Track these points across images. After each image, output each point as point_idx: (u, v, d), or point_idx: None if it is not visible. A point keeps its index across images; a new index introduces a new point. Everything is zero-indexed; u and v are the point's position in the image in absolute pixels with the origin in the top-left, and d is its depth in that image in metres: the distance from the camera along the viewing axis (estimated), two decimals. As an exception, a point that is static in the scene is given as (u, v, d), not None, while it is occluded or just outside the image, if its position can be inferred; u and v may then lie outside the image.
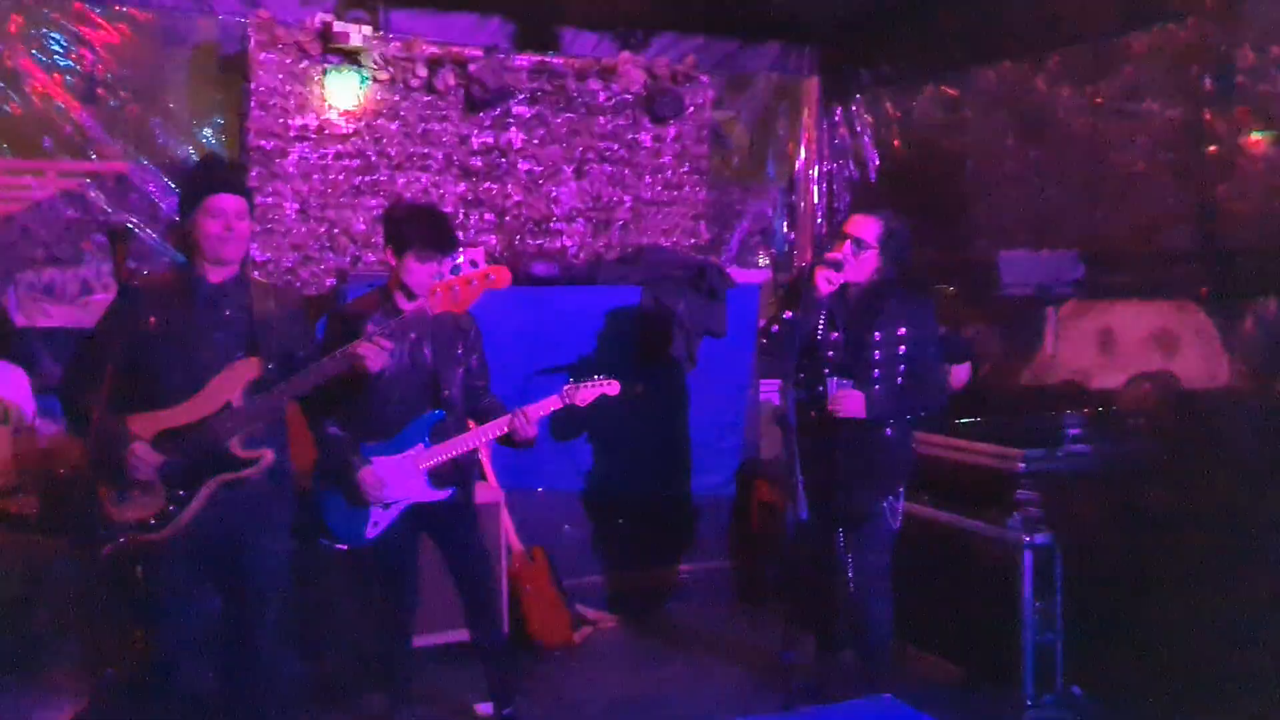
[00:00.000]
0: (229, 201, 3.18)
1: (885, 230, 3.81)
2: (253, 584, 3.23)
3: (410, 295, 3.68)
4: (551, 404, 3.78)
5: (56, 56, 4.97)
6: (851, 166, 6.64)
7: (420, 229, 3.69)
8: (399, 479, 3.62)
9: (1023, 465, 4.13)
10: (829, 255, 3.82)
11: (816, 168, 6.85)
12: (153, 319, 3.15)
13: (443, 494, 3.71)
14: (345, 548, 3.71)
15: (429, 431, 3.67)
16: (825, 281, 3.71)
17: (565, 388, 3.82)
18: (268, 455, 3.12)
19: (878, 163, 6.46)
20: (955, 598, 4.29)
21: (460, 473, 3.77)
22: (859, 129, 6.56)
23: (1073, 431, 4.30)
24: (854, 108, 6.59)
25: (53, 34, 4.95)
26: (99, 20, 5.02)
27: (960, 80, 5.87)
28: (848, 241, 3.81)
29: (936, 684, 4.31)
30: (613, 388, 3.87)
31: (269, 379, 3.16)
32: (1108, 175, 5.05)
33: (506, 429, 3.68)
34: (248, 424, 3.11)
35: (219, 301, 3.21)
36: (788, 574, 3.76)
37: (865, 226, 3.82)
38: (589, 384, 3.84)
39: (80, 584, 3.79)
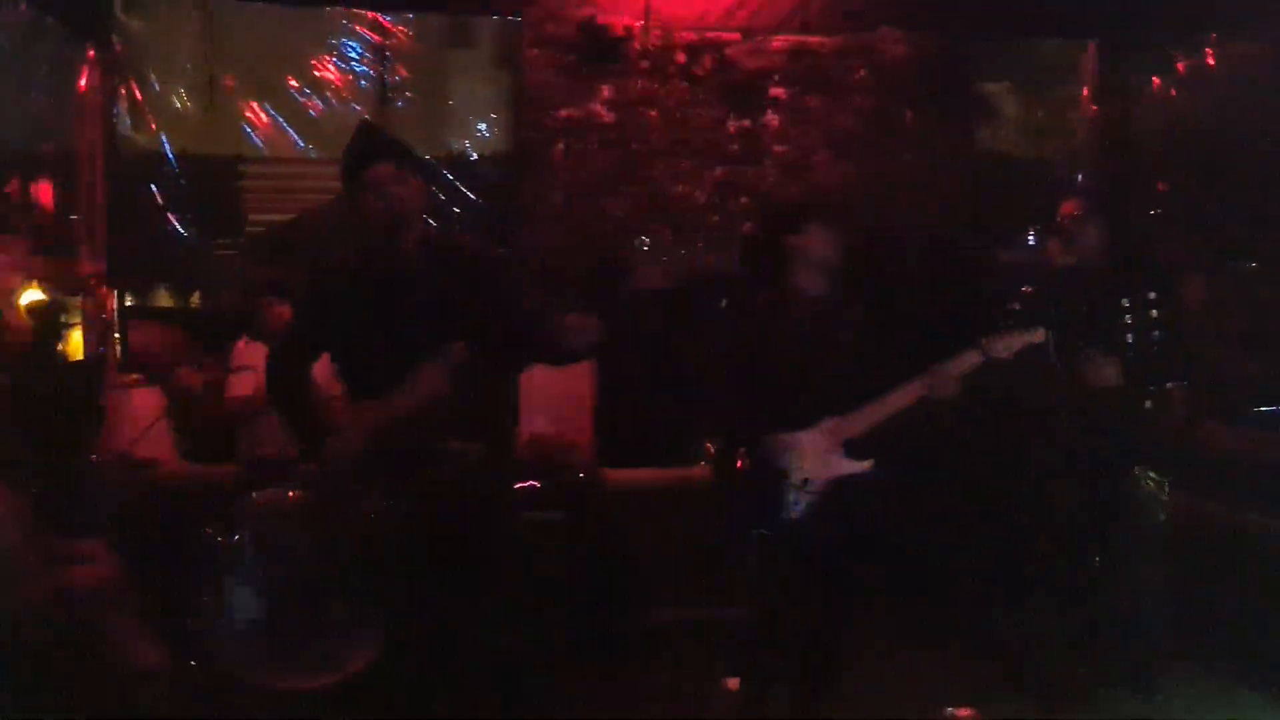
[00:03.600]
0: (384, 169, 2.87)
1: (1099, 208, 3.78)
2: (489, 564, 3.05)
3: (816, 272, 3.43)
4: (970, 359, 3.33)
5: (354, 63, 5.47)
6: (1133, 138, 6.15)
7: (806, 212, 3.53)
8: (814, 453, 3.35)
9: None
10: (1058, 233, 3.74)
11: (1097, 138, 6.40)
12: (351, 298, 2.92)
13: (861, 466, 3.39)
14: (768, 532, 3.38)
15: (835, 403, 3.39)
16: (1056, 259, 3.72)
17: (983, 339, 3.35)
18: (473, 449, 2.91)
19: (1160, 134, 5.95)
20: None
21: (877, 446, 3.41)
22: (1142, 97, 6.07)
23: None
24: (1137, 73, 6.10)
25: (351, 42, 5.46)
26: (390, 27, 5.49)
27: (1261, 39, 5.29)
28: (1069, 219, 3.75)
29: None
30: (1037, 335, 3.38)
31: (473, 365, 2.87)
32: None
33: (925, 390, 3.32)
34: (454, 415, 2.86)
35: (410, 281, 2.90)
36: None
37: (1079, 205, 3.77)
38: (1010, 333, 3.36)
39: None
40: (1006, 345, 3.31)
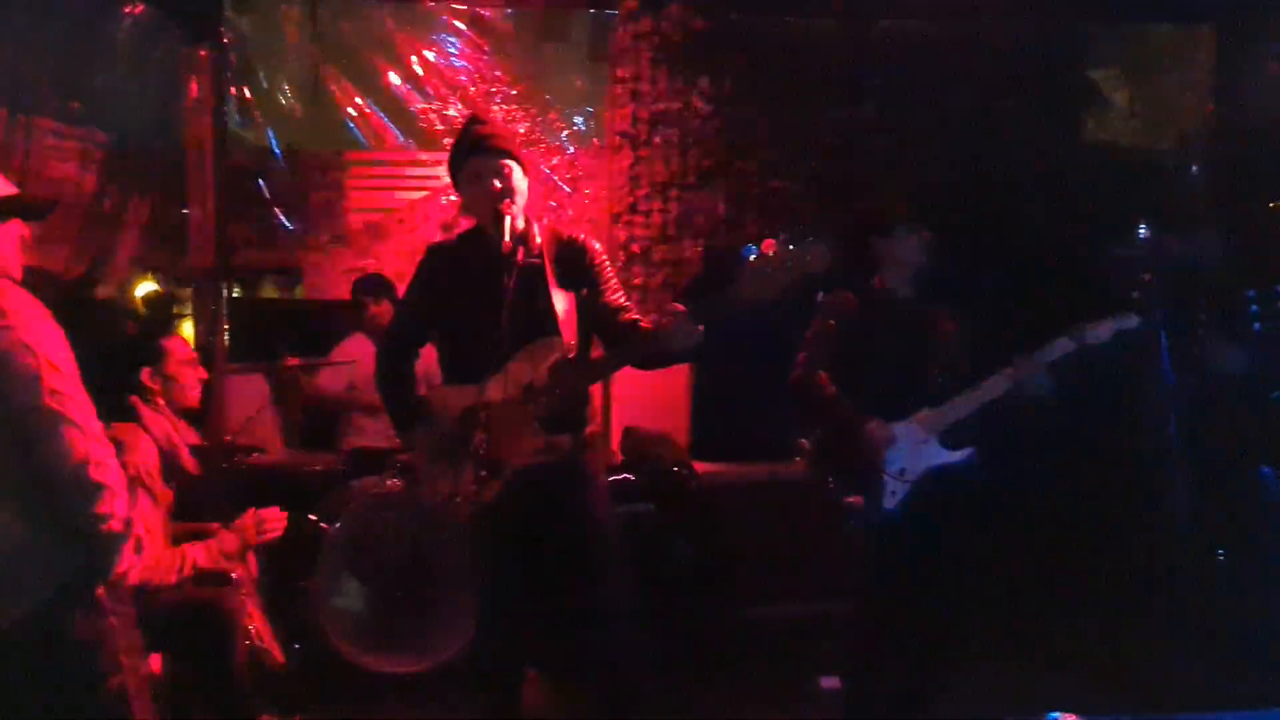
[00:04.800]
0: (486, 163, 2.91)
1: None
2: (581, 558, 3.02)
3: (904, 270, 3.45)
4: (1062, 346, 3.30)
5: (453, 57, 5.54)
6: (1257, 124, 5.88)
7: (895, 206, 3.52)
8: (908, 443, 3.34)
9: None
10: None
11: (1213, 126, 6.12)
12: (452, 288, 2.97)
13: (959, 455, 3.38)
14: (866, 525, 3.38)
15: (929, 395, 3.40)
16: None
17: (1074, 326, 3.32)
18: (563, 442, 2.92)
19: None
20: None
21: (971, 434, 3.38)
22: (1265, 81, 5.79)
23: None
24: (1260, 58, 5.82)
25: (449, 37, 5.52)
26: (488, 21, 5.54)
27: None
28: None
29: None
30: (1130, 320, 3.33)
31: (574, 360, 2.91)
32: None
33: (1012, 381, 3.30)
34: (548, 406, 2.87)
35: (511, 274, 2.89)
36: None
37: None
38: (1102, 320, 3.30)
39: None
40: (1097, 332, 3.25)
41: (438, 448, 2.95)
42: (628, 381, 4.68)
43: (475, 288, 2.91)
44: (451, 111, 5.58)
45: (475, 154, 2.94)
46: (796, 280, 2.72)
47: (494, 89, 5.61)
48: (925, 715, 3.42)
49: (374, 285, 4.89)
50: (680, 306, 2.78)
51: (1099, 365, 3.34)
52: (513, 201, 2.91)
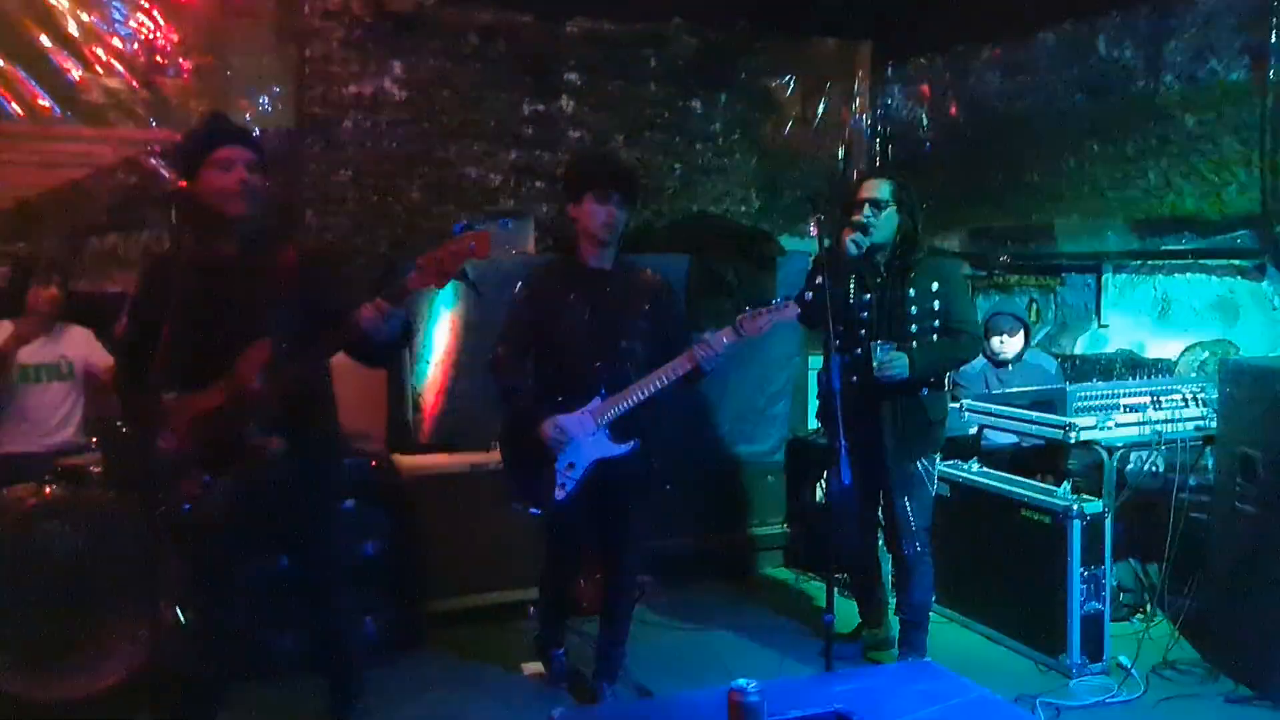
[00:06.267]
0: (239, 152, 2.94)
1: (898, 188, 3.90)
2: (314, 547, 3.25)
3: (595, 243, 3.57)
4: (727, 335, 3.48)
5: (117, 24, 5.07)
6: (906, 132, 6.55)
7: (594, 168, 3.69)
8: (579, 433, 3.49)
9: (1073, 435, 4.10)
10: (853, 219, 3.82)
11: (870, 133, 6.77)
12: (181, 293, 2.93)
13: (623, 448, 3.54)
14: (538, 512, 3.61)
15: (606, 383, 3.52)
16: (854, 245, 3.76)
17: (740, 317, 3.49)
18: (273, 443, 2.95)
19: (933, 129, 6.37)
20: (1003, 566, 4.27)
21: (640, 426, 3.57)
22: (914, 94, 6.48)
23: (1124, 401, 4.26)
24: (909, 71, 6.50)
25: (114, 2, 5.05)
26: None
27: (1019, 43, 5.75)
28: (865, 204, 3.83)
29: (980, 652, 4.30)
30: (789, 312, 3.50)
31: (280, 360, 2.95)
32: (1171, 139, 4.95)
33: (691, 364, 3.45)
34: (264, 408, 2.92)
35: (234, 277, 2.97)
36: (831, 539, 3.74)
37: (878, 187, 3.89)
38: (764, 311, 3.47)
39: (144, 541, 3.85)
40: (759, 324, 3.47)
41: (165, 453, 2.94)
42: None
43: (194, 294, 2.93)
44: (115, 84, 5.09)
45: (220, 143, 2.95)
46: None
47: (164, 61, 5.17)
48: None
49: (34, 271, 4.42)
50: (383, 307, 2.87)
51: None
52: (258, 194, 2.98)
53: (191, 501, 2.92)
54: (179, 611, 3.43)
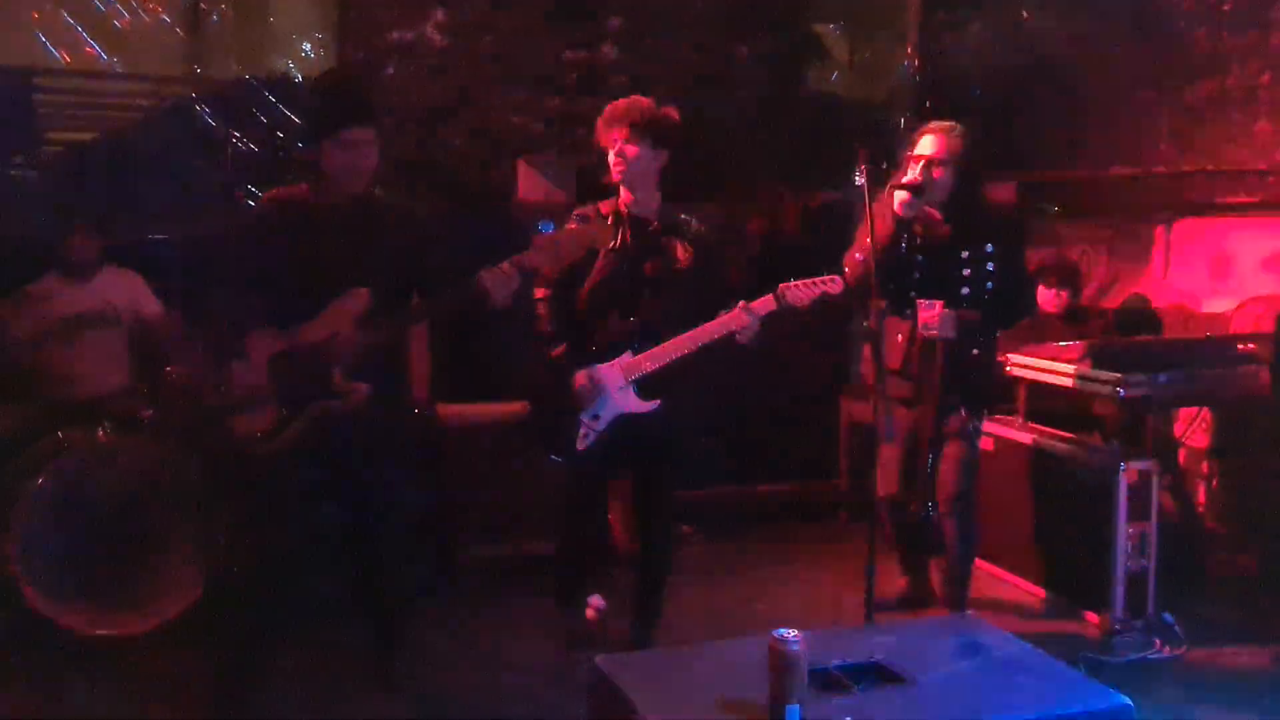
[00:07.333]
0: (362, 134, 3.11)
1: (955, 143, 3.73)
2: (373, 499, 3.33)
3: (629, 186, 3.52)
4: (767, 305, 3.41)
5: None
6: (956, 78, 6.39)
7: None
8: (609, 385, 3.47)
9: (1122, 390, 4.02)
10: (905, 180, 3.69)
11: (919, 79, 6.61)
12: (283, 239, 3.12)
13: (648, 406, 3.50)
14: (560, 459, 3.60)
15: (639, 338, 3.48)
16: (907, 207, 3.64)
17: (781, 286, 3.41)
18: (360, 389, 3.07)
19: (983, 75, 6.22)
20: (1048, 522, 4.23)
21: (668, 385, 3.52)
22: (965, 39, 6.31)
23: (1176, 355, 4.17)
24: (960, 15, 6.33)
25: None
26: (202, -66, 5.11)
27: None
28: (920, 162, 3.71)
29: (1022, 606, 4.28)
30: (835, 285, 3.44)
31: (376, 312, 3.10)
32: (1230, 88, 4.80)
33: (723, 331, 3.40)
34: (353, 356, 3.06)
35: (342, 229, 3.14)
36: (873, 492, 3.72)
37: (935, 144, 3.74)
38: (808, 282, 3.40)
39: (194, 486, 3.92)
40: (802, 295, 3.42)
41: (246, 387, 3.07)
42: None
43: (301, 240, 3.10)
44: (161, 31, 5.09)
45: (351, 122, 3.08)
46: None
47: (208, 7, 5.16)
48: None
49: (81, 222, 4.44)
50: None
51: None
52: (370, 170, 3.15)
53: (263, 435, 3.04)
54: (232, 551, 3.58)
